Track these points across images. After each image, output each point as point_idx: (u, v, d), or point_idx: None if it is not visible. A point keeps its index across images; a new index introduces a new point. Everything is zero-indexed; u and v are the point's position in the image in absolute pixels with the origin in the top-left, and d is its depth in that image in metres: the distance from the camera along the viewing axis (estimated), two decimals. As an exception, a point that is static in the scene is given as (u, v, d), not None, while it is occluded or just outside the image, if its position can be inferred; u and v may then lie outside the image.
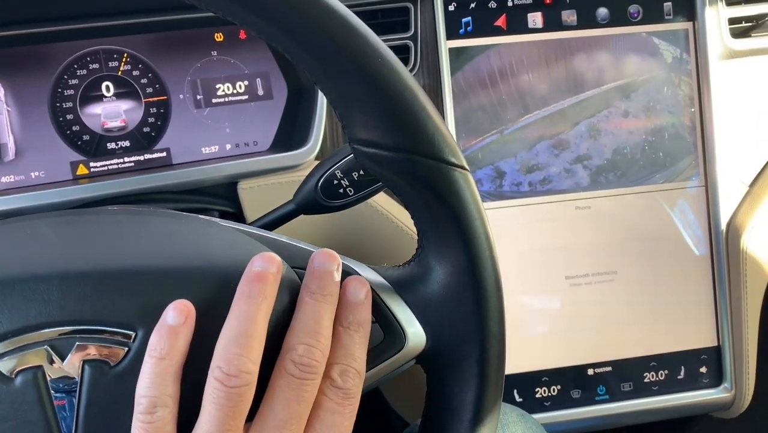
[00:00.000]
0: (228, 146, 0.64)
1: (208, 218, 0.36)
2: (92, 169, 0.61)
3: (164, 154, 0.63)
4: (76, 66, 0.61)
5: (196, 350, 0.31)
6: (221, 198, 0.62)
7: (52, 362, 0.30)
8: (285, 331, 0.33)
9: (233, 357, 0.30)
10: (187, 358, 0.31)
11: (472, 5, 0.66)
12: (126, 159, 0.62)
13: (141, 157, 0.62)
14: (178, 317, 0.30)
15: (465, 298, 0.35)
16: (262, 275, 0.32)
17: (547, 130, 0.68)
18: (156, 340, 0.30)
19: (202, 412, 0.30)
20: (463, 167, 0.35)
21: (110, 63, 0.61)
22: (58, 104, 0.60)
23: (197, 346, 0.31)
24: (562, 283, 0.69)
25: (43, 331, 0.30)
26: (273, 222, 0.48)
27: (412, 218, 0.37)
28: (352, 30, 0.32)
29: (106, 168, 0.62)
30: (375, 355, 0.36)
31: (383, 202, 0.63)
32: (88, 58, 0.61)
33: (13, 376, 0.30)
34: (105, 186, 0.58)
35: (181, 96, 0.63)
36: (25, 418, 0.30)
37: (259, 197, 0.62)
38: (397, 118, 0.34)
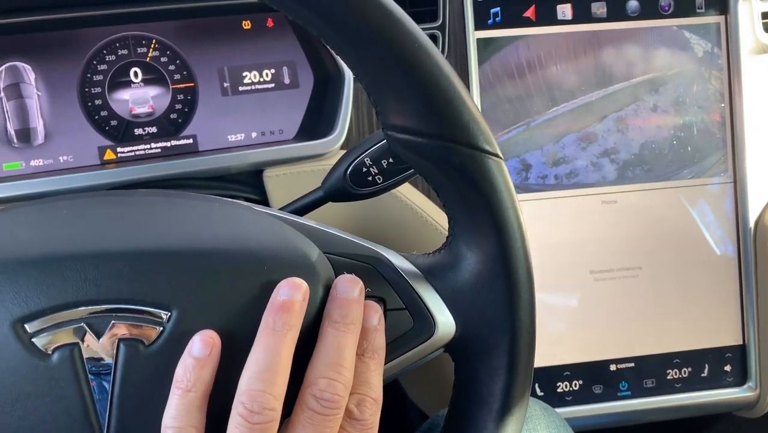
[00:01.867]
0: (254, 134, 0.64)
1: (242, 202, 0.36)
2: (119, 155, 0.62)
3: (191, 141, 0.63)
4: (105, 52, 0.61)
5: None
6: (246, 185, 0.63)
7: (87, 339, 0.30)
8: (313, 341, 0.32)
9: (257, 393, 0.30)
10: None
11: (502, -4, 0.66)
12: (153, 145, 0.62)
13: (168, 144, 0.63)
14: (203, 349, 0.30)
15: (496, 287, 0.35)
16: (287, 305, 0.31)
17: (575, 123, 0.68)
18: (182, 372, 0.30)
19: None
20: (497, 155, 0.35)
21: (139, 49, 0.62)
22: (87, 89, 0.61)
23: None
24: (586, 277, 0.68)
25: (79, 309, 0.30)
26: (301, 209, 0.48)
27: (443, 205, 0.37)
28: (389, 14, 0.32)
29: (133, 153, 0.62)
30: (404, 342, 0.36)
31: (407, 192, 0.63)
32: (117, 44, 0.61)
33: (50, 352, 0.30)
34: (132, 171, 0.59)
35: (209, 83, 0.63)
36: (61, 394, 0.30)
37: (284, 185, 0.62)
38: (433, 104, 0.33)
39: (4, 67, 0.59)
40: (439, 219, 0.62)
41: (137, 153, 0.62)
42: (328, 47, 0.34)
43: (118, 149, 0.62)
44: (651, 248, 0.69)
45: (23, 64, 0.59)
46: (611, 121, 0.68)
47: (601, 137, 0.68)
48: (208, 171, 0.61)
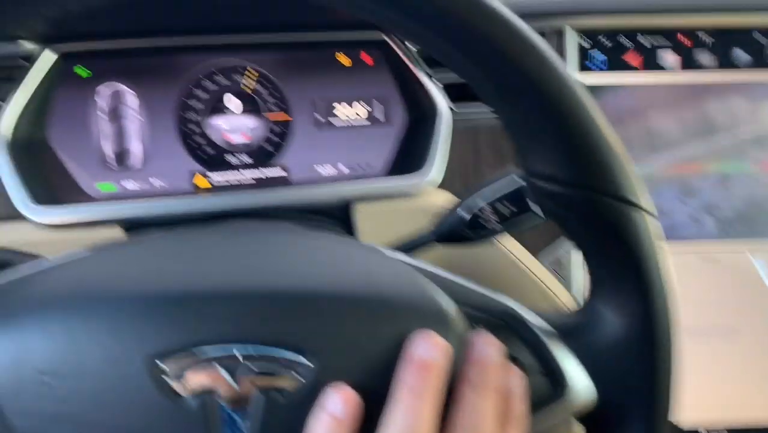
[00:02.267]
0: (344, 168, 0.63)
1: (371, 244, 0.35)
2: (212, 182, 0.61)
3: (283, 172, 0.62)
4: (204, 79, 0.61)
5: None
6: (335, 219, 0.61)
7: (222, 384, 0.29)
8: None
9: None
10: None
11: (606, 42, 0.64)
12: (246, 174, 0.62)
13: (260, 173, 0.62)
14: (344, 408, 0.28)
15: (639, 353, 0.33)
16: (429, 366, 0.29)
17: (674, 174, 0.65)
18: (320, 430, 0.28)
19: None
20: (648, 210, 0.33)
21: (237, 78, 0.62)
22: (184, 115, 0.61)
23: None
24: (680, 336, 0.65)
25: (217, 349, 0.29)
26: (410, 249, 0.47)
27: (584, 259, 0.35)
28: (539, 55, 0.31)
29: (226, 182, 0.62)
30: (538, 409, 0.33)
31: (508, 243, 0.61)
32: (217, 72, 0.61)
33: (182, 393, 0.28)
34: (225, 199, 0.58)
35: (303, 115, 0.62)
36: None
37: (372, 221, 0.61)
38: (580, 152, 0.32)
39: (108, 90, 0.59)
40: (535, 269, 0.60)
41: (231, 181, 0.62)
42: (468, 83, 0.32)
43: (212, 176, 0.61)
44: (751, 310, 0.65)
45: (126, 87, 0.60)
46: (714, 175, 0.65)
47: (702, 191, 0.65)
48: (299, 203, 0.60)
